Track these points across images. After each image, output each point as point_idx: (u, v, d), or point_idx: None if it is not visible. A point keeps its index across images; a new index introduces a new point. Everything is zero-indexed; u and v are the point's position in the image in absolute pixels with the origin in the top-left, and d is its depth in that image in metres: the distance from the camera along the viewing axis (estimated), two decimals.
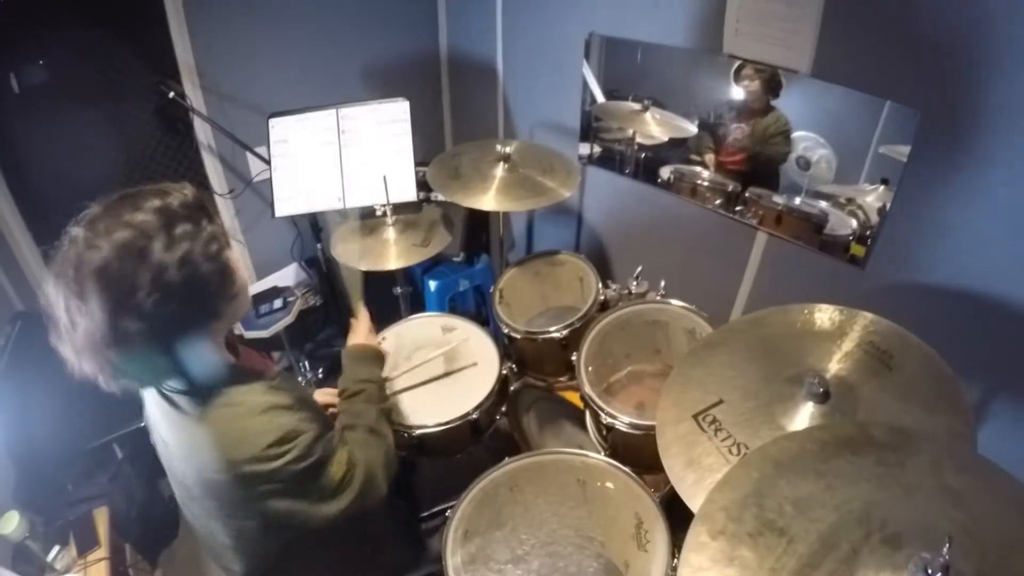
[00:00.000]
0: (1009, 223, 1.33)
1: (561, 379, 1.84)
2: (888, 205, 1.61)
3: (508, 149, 1.88)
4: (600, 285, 1.79)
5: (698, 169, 2.02)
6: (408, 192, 1.98)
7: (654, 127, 2.06)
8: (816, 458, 0.94)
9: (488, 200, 1.82)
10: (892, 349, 1.21)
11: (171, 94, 1.91)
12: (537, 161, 1.92)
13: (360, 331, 1.54)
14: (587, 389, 1.55)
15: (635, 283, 1.79)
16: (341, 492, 1.14)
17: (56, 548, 1.78)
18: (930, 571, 0.72)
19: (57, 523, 1.84)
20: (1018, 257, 1.32)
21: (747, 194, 1.91)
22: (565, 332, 1.69)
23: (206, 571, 2.11)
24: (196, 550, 2.14)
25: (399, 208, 1.98)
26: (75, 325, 0.92)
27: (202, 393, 1.03)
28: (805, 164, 1.78)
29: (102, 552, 1.77)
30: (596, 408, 1.52)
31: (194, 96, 2.06)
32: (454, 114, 2.67)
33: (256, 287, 2.34)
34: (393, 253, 1.91)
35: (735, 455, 1.13)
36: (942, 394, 1.13)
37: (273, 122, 1.95)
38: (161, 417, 1.10)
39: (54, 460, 1.93)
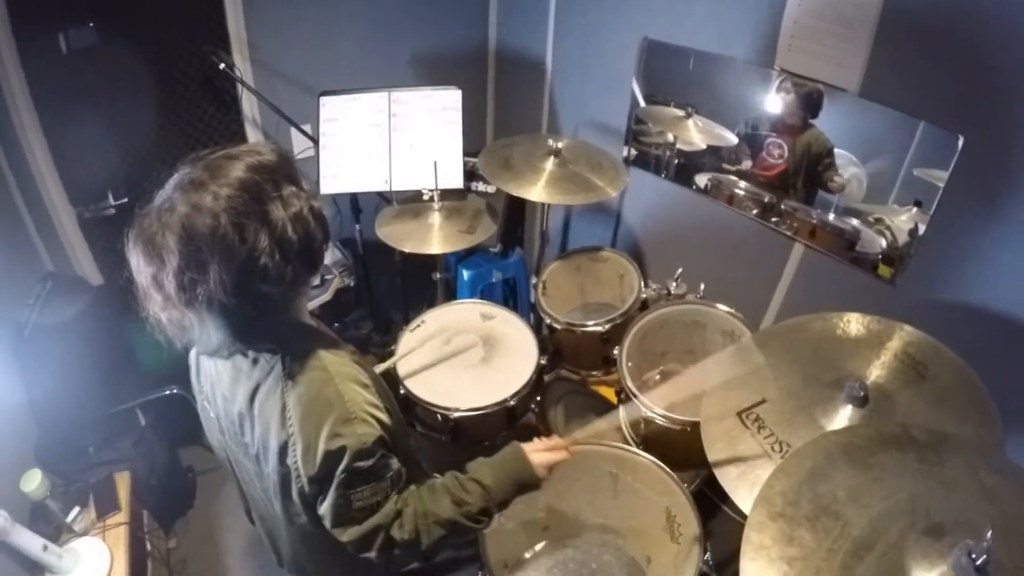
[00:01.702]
0: None
1: (595, 373, 1.91)
2: (921, 226, 1.68)
3: (559, 144, 1.94)
4: (642, 283, 1.86)
5: (734, 178, 2.08)
6: (455, 179, 2.04)
7: (695, 134, 2.12)
8: (864, 452, 1.01)
9: (537, 191, 1.87)
10: (927, 360, 1.28)
11: (221, 65, 1.94)
12: (586, 158, 1.98)
13: (544, 452, 1.22)
14: (628, 383, 1.61)
15: (675, 284, 1.86)
16: (353, 523, 1.01)
17: (76, 509, 1.77)
18: (974, 556, 0.79)
19: (77, 485, 1.84)
20: None
21: (783, 206, 1.97)
22: (607, 327, 1.75)
23: (219, 544, 2.14)
24: (211, 522, 2.18)
25: (445, 195, 2.04)
26: (184, 291, 0.88)
27: (296, 355, 1.00)
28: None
29: (122, 516, 1.78)
30: (637, 401, 1.58)
31: (244, 68, 2.09)
32: (498, 107, 2.73)
33: None
34: (438, 238, 1.97)
35: (777, 452, 1.20)
36: (973, 405, 1.21)
37: (324, 100, 2.00)
38: (236, 381, 1.04)
39: (77, 423, 1.94)
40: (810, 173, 1.89)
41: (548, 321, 1.84)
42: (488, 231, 1.99)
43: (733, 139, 2.03)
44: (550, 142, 1.95)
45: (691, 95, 2.09)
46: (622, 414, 1.70)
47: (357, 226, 2.30)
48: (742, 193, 2.06)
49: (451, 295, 2.48)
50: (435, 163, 1.95)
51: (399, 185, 2.05)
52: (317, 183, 2.01)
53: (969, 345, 1.27)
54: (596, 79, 2.26)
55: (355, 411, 0.98)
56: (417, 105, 2.03)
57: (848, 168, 1.81)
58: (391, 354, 1.80)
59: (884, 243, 1.79)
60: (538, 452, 1.20)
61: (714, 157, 2.10)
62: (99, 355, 2.00)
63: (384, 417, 1.02)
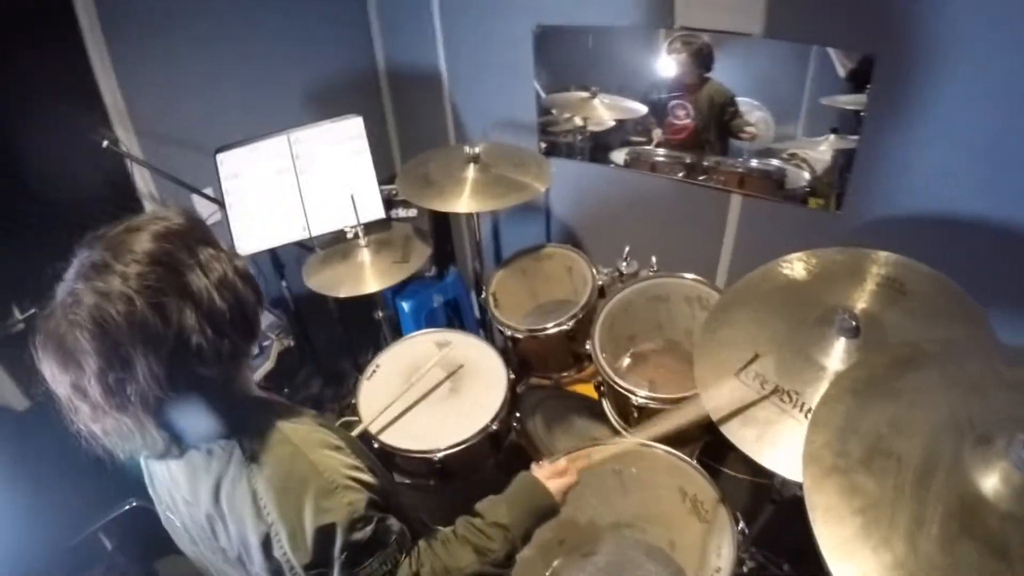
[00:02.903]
0: (968, 151, 1.45)
1: (567, 374, 1.82)
2: (841, 153, 1.72)
3: (476, 149, 1.85)
4: (594, 271, 1.80)
5: (650, 148, 2.08)
6: (376, 210, 1.90)
7: (603, 112, 2.10)
8: (887, 380, 0.98)
9: (465, 202, 1.77)
10: (901, 277, 1.28)
11: (104, 143, 1.72)
12: (506, 158, 1.90)
13: (557, 479, 1.14)
14: (610, 374, 1.54)
15: (625, 264, 1.81)
16: None
17: None
18: None
19: None
20: (981, 181, 1.44)
21: (705, 163, 1.98)
22: (571, 323, 1.67)
23: None
24: None
25: (369, 228, 1.90)
26: (112, 394, 0.77)
27: (254, 434, 0.89)
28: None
29: None
30: (625, 391, 1.51)
31: (129, 141, 1.88)
32: (400, 128, 2.61)
33: None
34: (372, 275, 1.83)
35: (787, 403, 1.15)
36: (955, 307, 1.21)
37: (221, 157, 1.82)
38: (194, 480, 0.90)
39: (36, 566, 1.67)
40: (719, 125, 1.91)
41: (509, 333, 1.74)
42: (423, 255, 1.88)
43: (642, 109, 2.02)
44: (466, 149, 1.85)
45: (595, 74, 2.06)
46: (608, 407, 1.64)
47: (283, 283, 2.11)
48: (663, 159, 2.06)
49: (396, 331, 2.33)
50: (352, 197, 1.81)
51: (319, 229, 1.89)
52: (232, 247, 1.82)
53: (925, 251, 1.29)
54: (496, 77, 2.20)
55: (335, 479, 0.87)
56: (319, 142, 1.89)
57: (753, 113, 1.84)
58: (350, 407, 1.65)
59: (807, 176, 1.83)
60: (551, 480, 1.12)
61: (625, 131, 2.09)
62: (43, 483, 1.74)
63: (368, 477, 0.91)
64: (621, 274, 1.81)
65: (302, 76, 2.28)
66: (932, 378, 0.96)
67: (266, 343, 2.08)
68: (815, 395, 1.11)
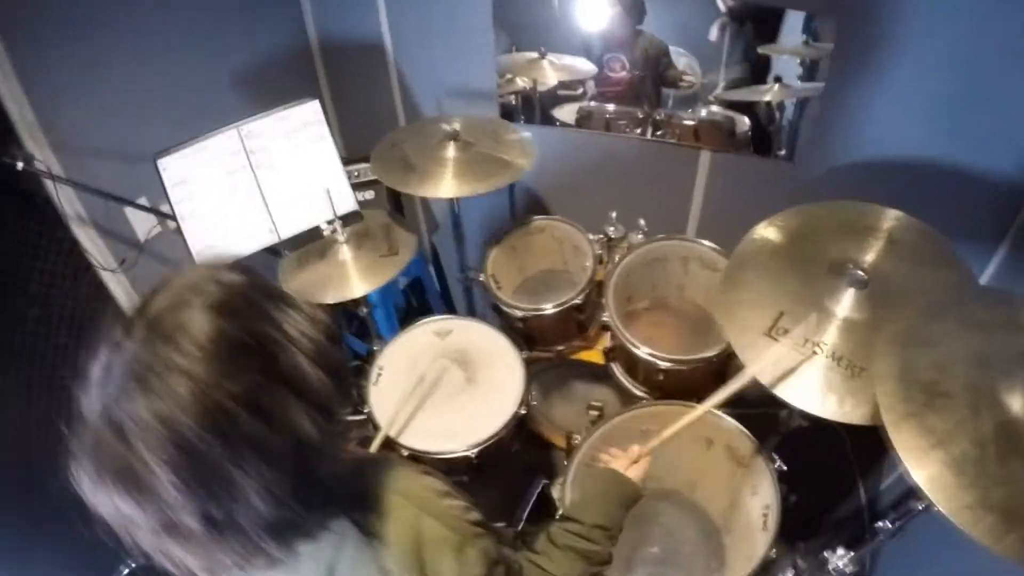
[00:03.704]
0: (921, 98, 1.58)
1: (571, 343, 1.85)
2: (788, 101, 1.84)
3: (455, 126, 1.75)
4: (590, 240, 1.81)
5: (599, 105, 2.09)
6: (347, 200, 1.77)
7: (551, 73, 2.06)
8: (921, 329, 1.12)
9: (448, 186, 1.68)
10: (886, 227, 1.41)
11: (19, 164, 1.42)
12: (485, 133, 1.81)
13: (636, 467, 1.19)
14: (631, 340, 1.60)
15: (612, 229, 1.85)
16: None
17: None
18: None
19: None
20: (930, 128, 1.60)
21: (657, 116, 2.03)
22: (582, 297, 1.70)
23: None
24: None
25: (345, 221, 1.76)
26: (215, 526, 0.62)
27: (366, 505, 0.79)
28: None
29: None
30: (648, 357, 1.58)
31: (46, 158, 1.56)
32: (339, 108, 2.36)
33: None
34: (360, 274, 1.70)
35: (821, 353, 1.28)
36: (937, 250, 1.37)
37: (163, 163, 1.57)
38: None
39: None
40: (655, 77, 1.95)
41: (521, 314, 1.73)
42: (410, 245, 1.78)
43: (591, 67, 2.01)
44: (444, 126, 1.75)
45: (534, 34, 2.00)
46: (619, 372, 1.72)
47: None
48: (614, 116, 2.07)
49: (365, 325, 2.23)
50: (328, 191, 1.67)
51: (288, 231, 1.72)
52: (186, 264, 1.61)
53: (889, 196, 1.44)
54: (448, 43, 2.05)
55: (463, 530, 0.84)
56: (274, 133, 1.69)
57: (680, 60, 1.89)
58: (363, 417, 1.59)
59: (747, 122, 1.92)
60: (630, 470, 1.16)
61: (567, 89, 2.07)
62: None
63: (474, 513, 0.89)
64: (610, 239, 1.85)
65: (231, 63, 2.00)
66: (950, 324, 1.12)
67: None
68: (830, 338, 1.25)
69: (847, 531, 1.54)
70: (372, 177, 2.08)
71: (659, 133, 2.03)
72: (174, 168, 1.59)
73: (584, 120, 2.10)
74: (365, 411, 1.62)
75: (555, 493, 1.49)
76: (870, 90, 1.63)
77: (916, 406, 1.00)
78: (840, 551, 1.33)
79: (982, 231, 1.61)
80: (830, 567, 1.33)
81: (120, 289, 1.81)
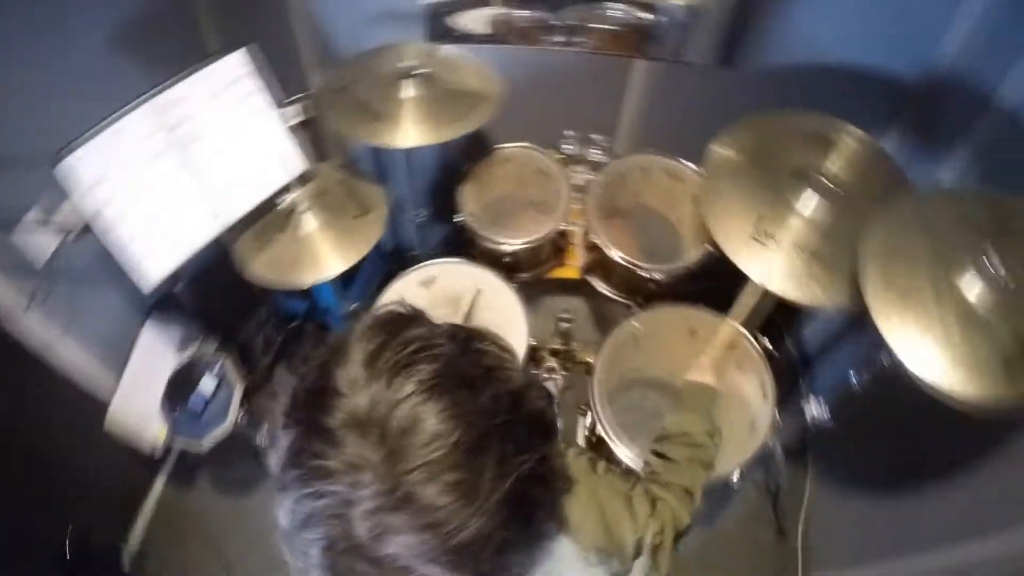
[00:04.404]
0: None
1: (548, 265, 1.91)
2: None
3: (415, 60, 1.55)
4: (557, 162, 1.80)
5: (504, 10, 1.93)
6: (296, 161, 1.54)
7: None
8: (892, 225, 1.31)
9: (410, 134, 1.51)
10: (826, 133, 1.59)
11: None
12: (443, 67, 1.63)
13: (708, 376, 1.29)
14: (621, 254, 1.69)
15: (569, 147, 1.84)
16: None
17: None
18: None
19: None
20: (865, 25, 1.71)
21: (571, 22, 1.93)
22: (566, 222, 1.72)
23: None
24: None
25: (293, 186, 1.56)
26: None
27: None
28: None
29: None
30: (643, 268, 1.69)
31: None
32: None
33: (144, 386, 1.69)
34: (332, 245, 1.56)
35: (801, 250, 1.47)
36: (874, 158, 1.58)
37: (69, 163, 1.22)
38: None
39: None
40: None
41: (511, 248, 1.71)
42: (379, 198, 1.63)
43: None
44: (400, 62, 1.54)
45: None
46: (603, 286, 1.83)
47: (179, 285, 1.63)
48: (528, 24, 1.91)
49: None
50: (281, 153, 1.44)
51: (235, 212, 1.48)
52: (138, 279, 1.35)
53: (813, 97, 1.60)
54: None
55: (619, 484, 0.92)
56: (196, 98, 1.37)
57: None
58: None
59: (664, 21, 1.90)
60: (705, 379, 1.29)
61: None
62: None
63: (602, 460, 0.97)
64: (568, 157, 1.85)
65: (103, 32, 1.49)
66: (908, 217, 1.35)
67: (214, 364, 1.69)
68: (804, 236, 1.45)
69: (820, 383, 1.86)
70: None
71: (578, 41, 1.94)
72: (87, 166, 1.26)
73: (503, 31, 1.93)
74: None
75: (586, 421, 1.63)
76: None
77: (900, 291, 1.22)
78: (815, 401, 1.66)
79: (876, 119, 1.84)
80: (807, 417, 1.66)
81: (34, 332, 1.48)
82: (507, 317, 1.66)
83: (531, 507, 0.55)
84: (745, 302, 1.42)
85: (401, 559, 0.51)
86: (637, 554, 0.89)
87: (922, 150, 1.79)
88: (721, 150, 1.62)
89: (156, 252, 1.39)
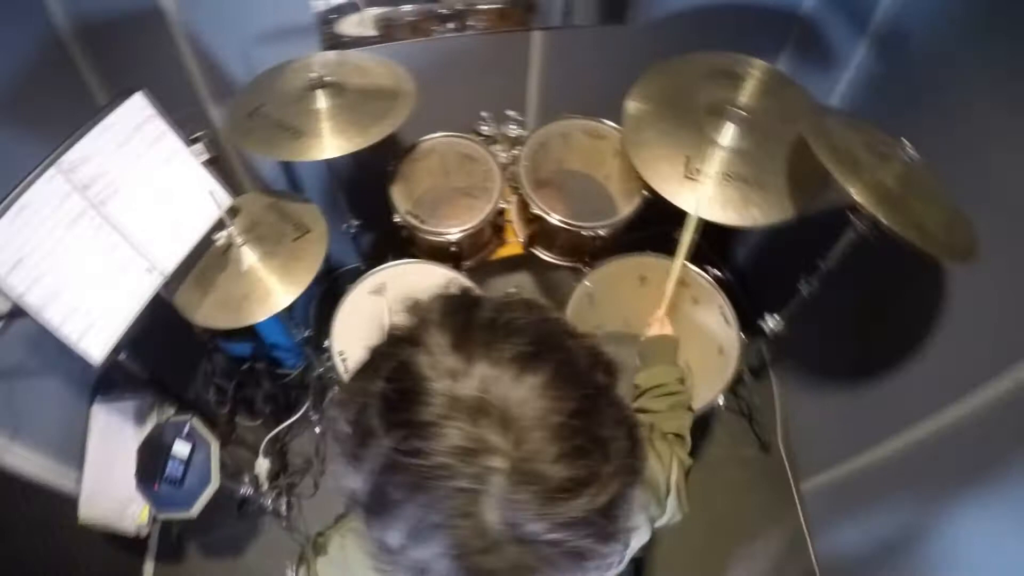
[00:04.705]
0: None
1: (490, 247, 1.92)
2: None
3: (320, 71, 1.50)
4: (484, 147, 1.81)
5: (386, 8, 1.89)
6: (219, 196, 1.47)
7: None
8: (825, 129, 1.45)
9: (329, 145, 1.46)
10: (731, 67, 1.71)
11: None
12: (352, 72, 1.59)
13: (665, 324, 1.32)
14: (562, 219, 1.72)
15: (485, 127, 1.86)
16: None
17: None
18: None
19: None
20: None
21: (460, 6, 1.92)
22: (504, 203, 1.75)
23: None
24: None
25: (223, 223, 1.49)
26: None
27: None
28: None
29: None
30: (585, 228, 1.73)
31: None
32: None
33: (111, 470, 1.58)
34: (279, 274, 1.50)
35: (732, 179, 1.55)
36: (779, 84, 1.70)
37: None
38: None
39: None
40: None
41: (454, 237, 1.70)
42: (314, 213, 1.58)
43: None
44: (309, 74, 1.50)
45: None
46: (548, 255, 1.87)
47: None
48: (416, 18, 1.90)
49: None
50: (204, 189, 1.37)
51: (170, 261, 1.40)
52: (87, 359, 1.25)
53: (712, 41, 1.70)
54: None
55: (651, 437, 0.98)
56: (105, 150, 1.28)
57: None
58: None
59: None
60: (663, 329, 1.33)
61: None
62: None
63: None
64: (488, 138, 1.86)
65: None
66: (832, 120, 1.46)
67: (183, 426, 1.58)
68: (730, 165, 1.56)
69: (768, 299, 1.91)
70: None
71: (470, 25, 1.93)
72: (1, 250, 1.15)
73: (388, 29, 1.89)
74: None
75: None
76: None
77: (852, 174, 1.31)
78: (768, 316, 1.77)
79: (767, 48, 1.98)
80: (766, 331, 1.77)
81: None
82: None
83: (640, 453, 0.56)
84: (687, 239, 1.48)
85: (543, 535, 0.48)
86: (666, 494, 0.94)
87: (811, 71, 1.94)
88: (636, 103, 1.70)
89: (96, 324, 1.29)
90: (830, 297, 1.63)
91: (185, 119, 1.48)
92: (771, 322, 1.77)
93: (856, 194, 1.23)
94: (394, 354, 0.54)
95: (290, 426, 2.06)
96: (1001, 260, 1.31)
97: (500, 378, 0.50)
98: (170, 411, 1.66)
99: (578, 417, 0.50)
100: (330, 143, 1.47)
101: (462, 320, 0.55)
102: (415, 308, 0.58)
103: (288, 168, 2.03)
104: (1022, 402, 1.29)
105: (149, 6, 1.52)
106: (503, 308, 0.56)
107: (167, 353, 1.72)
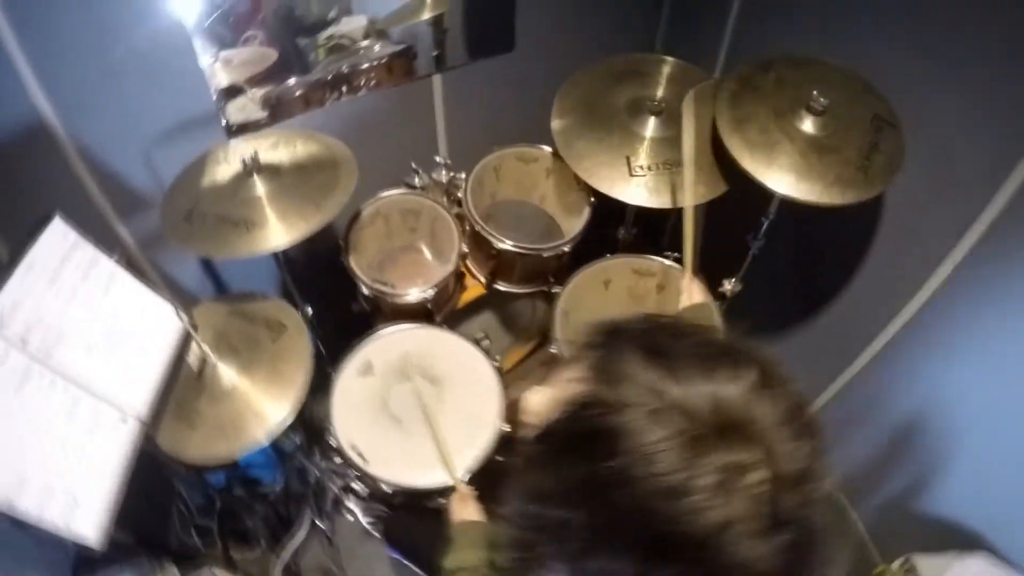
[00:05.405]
0: None
1: (455, 296, 1.86)
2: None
3: (252, 153, 1.37)
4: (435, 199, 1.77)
5: (269, 88, 1.75)
6: (168, 322, 1.26)
7: (228, 75, 1.59)
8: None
9: (278, 233, 1.33)
10: (637, 66, 1.84)
11: None
12: (285, 149, 1.48)
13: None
14: (526, 246, 1.72)
15: (417, 179, 1.82)
16: None
17: None
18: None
19: None
20: None
21: (345, 70, 1.89)
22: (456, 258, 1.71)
23: None
24: None
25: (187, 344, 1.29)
26: None
27: None
28: None
29: None
30: (546, 250, 1.74)
31: None
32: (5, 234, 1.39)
33: None
34: (268, 383, 1.33)
35: (673, 164, 1.65)
36: (676, 69, 1.85)
37: None
38: None
39: None
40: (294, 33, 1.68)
41: (433, 294, 1.62)
42: (281, 306, 1.43)
43: (271, 53, 1.65)
44: (238, 159, 1.36)
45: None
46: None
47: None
48: (307, 88, 1.80)
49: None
50: (155, 310, 1.18)
51: (141, 401, 1.17)
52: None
53: (602, 45, 1.85)
54: (136, 86, 1.40)
55: None
56: (34, 293, 1.05)
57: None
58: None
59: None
60: (692, 295, 1.43)
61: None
62: None
63: None
64: (417, 188, 1.82)
65: None
66: (737, 95, 1.60)
67: None
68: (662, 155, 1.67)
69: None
70: None
71: (359, 84, 1.87)
72: None
73: (277, 108, 1.74)
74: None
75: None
76: None
77: (760, 153, 1.46)
78: (727, 281, 1.89)
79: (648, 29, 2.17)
80: (725, 292, 1.89)
81: None
82: (463, 357, 1.61)
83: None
84: (689, 232, 1.48)
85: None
86: None
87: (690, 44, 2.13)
88: (559, 120, 1.76)
89: (80, 501, 1.05)
90: (775, 249, 1.78)
91: (93, 243, 1.27)
92: (728, 285, 1.89)
93: (771, 185, 1.39)
94: (601, 425, 0.50)
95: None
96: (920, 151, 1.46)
97: (722, 389, 0.49)
98: (172, 569, 1.37)
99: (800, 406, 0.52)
100: (288, 226, 1.34)
101: (654, 342, 0.54)
102: (600, 371, 0.55)
103: (210, 270, 1.83)
104: (964, 285, 1.49)
105: (29, 124, 1.29)
106: (675, 320, 0.59)
107: (141, 505, 1.44)
